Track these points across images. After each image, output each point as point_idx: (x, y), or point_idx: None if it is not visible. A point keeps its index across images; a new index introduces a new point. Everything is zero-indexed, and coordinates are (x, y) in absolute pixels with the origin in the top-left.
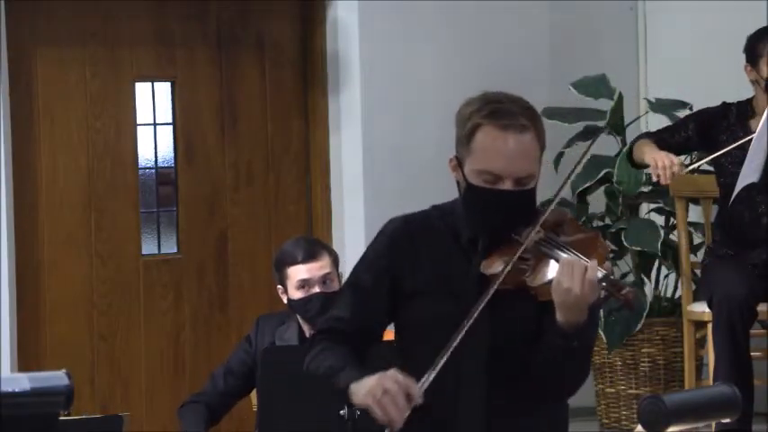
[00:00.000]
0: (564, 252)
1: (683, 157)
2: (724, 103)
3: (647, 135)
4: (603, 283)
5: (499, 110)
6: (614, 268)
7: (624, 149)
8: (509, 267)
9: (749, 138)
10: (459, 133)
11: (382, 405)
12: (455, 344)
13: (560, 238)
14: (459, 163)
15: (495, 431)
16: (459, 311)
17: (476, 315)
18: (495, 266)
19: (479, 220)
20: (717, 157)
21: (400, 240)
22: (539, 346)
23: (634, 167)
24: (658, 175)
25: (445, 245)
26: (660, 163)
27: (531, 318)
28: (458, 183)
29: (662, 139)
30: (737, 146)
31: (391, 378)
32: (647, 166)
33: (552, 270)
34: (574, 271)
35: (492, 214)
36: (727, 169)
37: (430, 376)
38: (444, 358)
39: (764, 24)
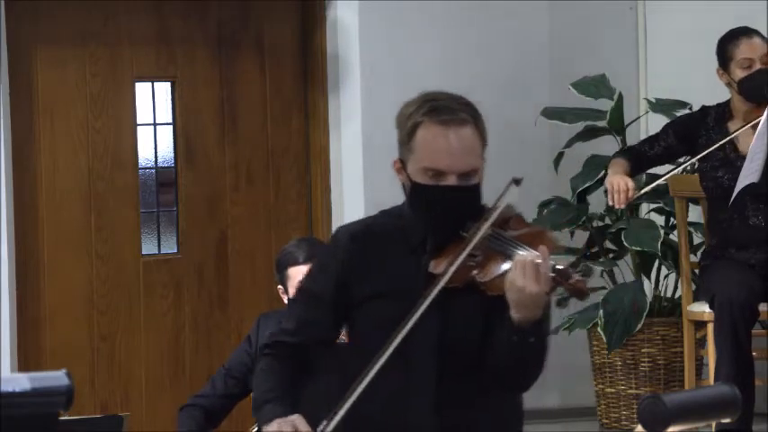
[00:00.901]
0: (512, 246)
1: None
2: (703, 107)
3: (623, 152)
4: (552, 274)
5: (437, 107)
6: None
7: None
8: (455, 266)
9: (727, 139)
10: (401, 134)
11: None
12: (389, 351)
13: (507, 233)
14: (402, 165)
15: (446, 426)
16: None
17: (419, 313)
18: (443, 265)
19: (426, 218)
20: (697, 161)
21: (349, 248)
22: (494, 343)
23: None
24: (613, 198)
25: (395, 248)
26: (615, 186)
27: (483, 314)
28: (403, 185)
29: (642, 152)
30: (716, 148)
31: (290, 423)
32: None
33: (501, 265)
34: (526, 269)
35: (438, 210)
36: (708, 173)
37: (330, 424)
38: (354, 396)
39: (765, 24)
